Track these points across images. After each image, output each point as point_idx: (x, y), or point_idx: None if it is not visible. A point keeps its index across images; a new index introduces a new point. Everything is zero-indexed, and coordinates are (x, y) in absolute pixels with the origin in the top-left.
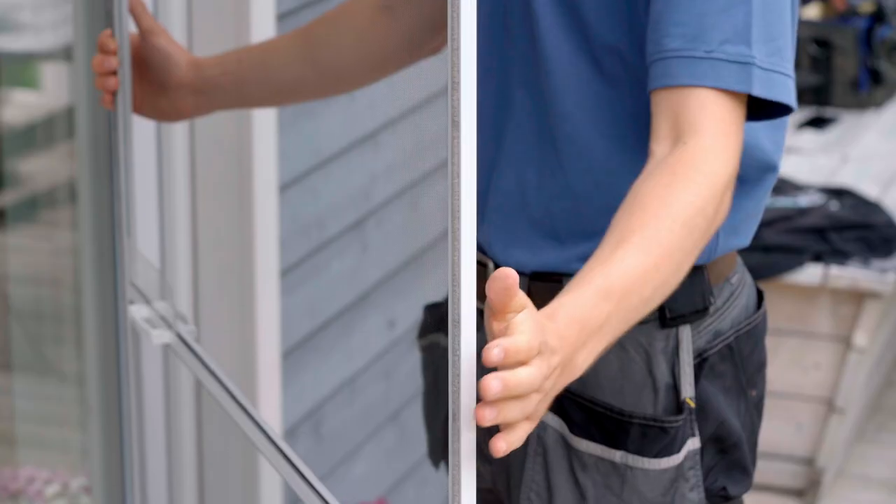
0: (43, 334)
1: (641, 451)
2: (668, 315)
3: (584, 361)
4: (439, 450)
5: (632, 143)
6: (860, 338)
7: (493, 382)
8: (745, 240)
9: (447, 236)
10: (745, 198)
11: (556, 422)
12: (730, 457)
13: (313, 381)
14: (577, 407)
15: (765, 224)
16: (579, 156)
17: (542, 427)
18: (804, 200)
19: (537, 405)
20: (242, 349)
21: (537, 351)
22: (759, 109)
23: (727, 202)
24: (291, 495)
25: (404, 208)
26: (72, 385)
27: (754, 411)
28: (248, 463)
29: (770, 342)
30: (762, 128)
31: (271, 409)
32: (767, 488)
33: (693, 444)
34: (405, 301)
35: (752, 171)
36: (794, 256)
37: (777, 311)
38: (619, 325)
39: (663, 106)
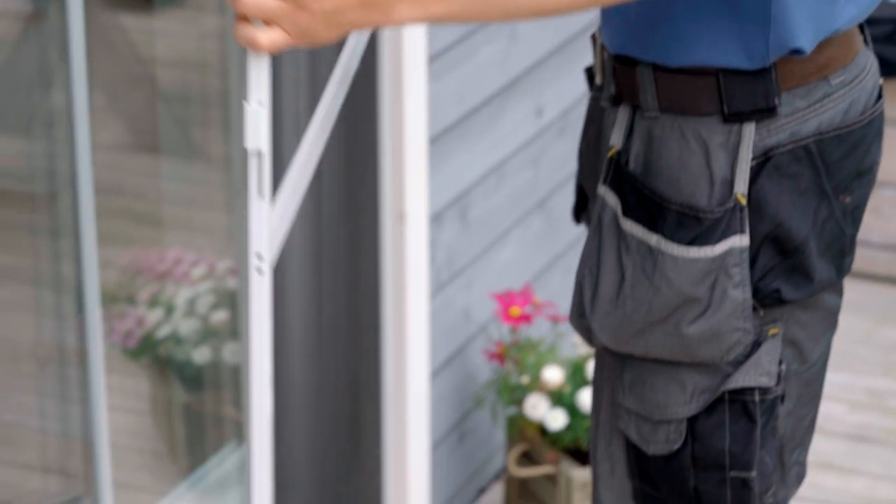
0: (190, 118)
1: (674, 237)
2: (725, 111)
3: (405, 13)
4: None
5: None
6: None
7: None
8: (806, 45)
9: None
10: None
11: (614, 202)
12: (791, 260)
13: (460, 167)
14: (633, 190)
15: None
16: None
17: (602, 206)
18: None
19: (292, 17)
20: (390, 133)
21: None
22: None
23: None
24: None
25: None
26: (218, 168)
27: (846, 218)
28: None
29: None
30: None
31: (418, 194)
32: None
33: (739, 241)
34: (553, 89)
35: None
36: None
37: None
38: (472, 7)
39: None
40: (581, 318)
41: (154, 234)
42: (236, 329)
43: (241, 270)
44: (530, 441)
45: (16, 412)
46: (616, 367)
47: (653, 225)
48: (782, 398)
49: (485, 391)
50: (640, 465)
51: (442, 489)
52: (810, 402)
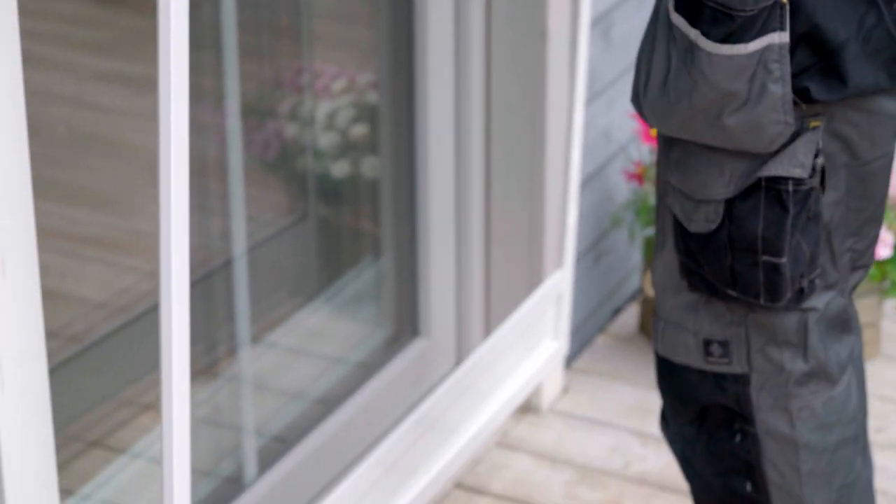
0: None
1: (708, 34)
2: None
3: None
4: None
5: None
6: None
7: None
8: None
9: None
10: None
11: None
12: (826, 62)
13: None
14: None
15: None
16: None
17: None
18: None
19: None
20: None
21: None
22: None
23: None
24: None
25: None
26: None
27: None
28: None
29: None
30: None
31: (561, 12)
32: None
33: (779, 38)
34: None
35: None
36: None
37: None
38: None
39: None
40: (636, 100)
41: (295, 48)
42: (375, 143)
43: (381, 84)
44: None
45: (153, 222)
46: (665, 146)
47: (693, 20)
48: (822, 189)
49: (623, 211)
50: (685, 240)
51: (578, 308)
52: (865, 198)
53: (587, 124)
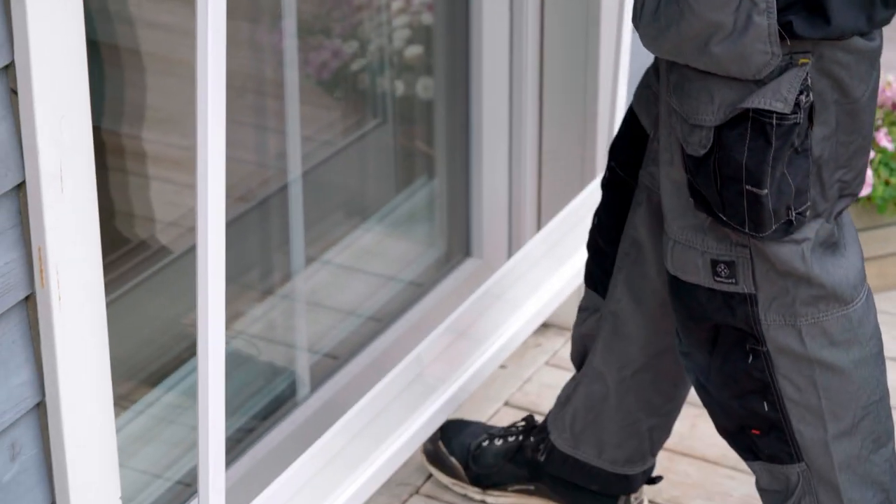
0: None
1: None
2: None
3: None
4: None
5: None
6: None
7: None
8: None
9: None
10: None
11: None
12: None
13: None
14: None
15: None
16: None
17: None
18: None
19: None
20: None
21: None
22: None
23: None
24: None
25: None
26: None
27: None
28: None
29: None
30: None
31: None
32: None
33: None
34: None
35: None
36: None
37: None
38: None
39: None
40: (635, 21)
41: None
42: (430, 64)
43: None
44: None
45: None
46: (667, 69)
47: None
48: (810, 125)
49: None
50: (684, 160)
51: None
52: (855, 132)
53: (640, 48)
